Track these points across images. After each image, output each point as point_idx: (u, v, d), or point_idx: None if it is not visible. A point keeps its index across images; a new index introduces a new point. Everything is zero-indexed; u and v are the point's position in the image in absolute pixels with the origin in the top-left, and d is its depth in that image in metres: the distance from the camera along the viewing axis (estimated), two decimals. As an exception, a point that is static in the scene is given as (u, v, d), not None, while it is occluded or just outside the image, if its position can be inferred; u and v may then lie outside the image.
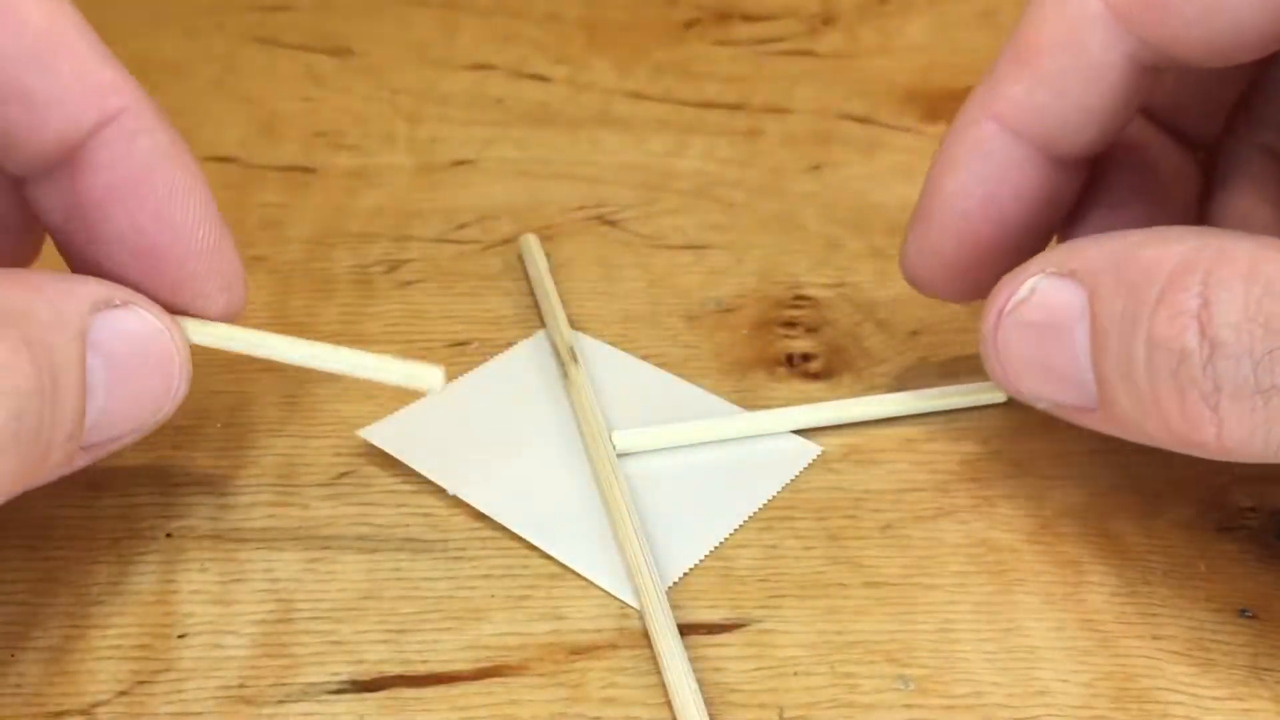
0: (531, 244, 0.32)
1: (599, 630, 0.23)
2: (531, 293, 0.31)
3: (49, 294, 0.21)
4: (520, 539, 0.25)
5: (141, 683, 0.22)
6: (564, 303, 0.31)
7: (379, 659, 0.23)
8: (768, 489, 0.26)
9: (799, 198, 0.35)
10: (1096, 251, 0.22)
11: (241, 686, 0.22)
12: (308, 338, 0.23)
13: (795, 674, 0.22)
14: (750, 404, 0.28)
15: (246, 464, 0.26)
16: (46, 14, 0.21)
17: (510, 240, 0.33)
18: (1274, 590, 0.24)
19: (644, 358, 0.30)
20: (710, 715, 0.21)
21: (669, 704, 0.22)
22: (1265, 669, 0.23)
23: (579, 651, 0.23)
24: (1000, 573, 0.24)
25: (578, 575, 0.24)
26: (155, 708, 0.22)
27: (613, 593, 0.24)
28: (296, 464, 0.27)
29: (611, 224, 0.34)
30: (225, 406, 0.28)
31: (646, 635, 0.23)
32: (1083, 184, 0.25)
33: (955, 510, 0.26)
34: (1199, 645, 0.23)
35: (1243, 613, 0.24)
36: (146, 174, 0.22)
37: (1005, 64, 0.24)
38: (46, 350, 0.20)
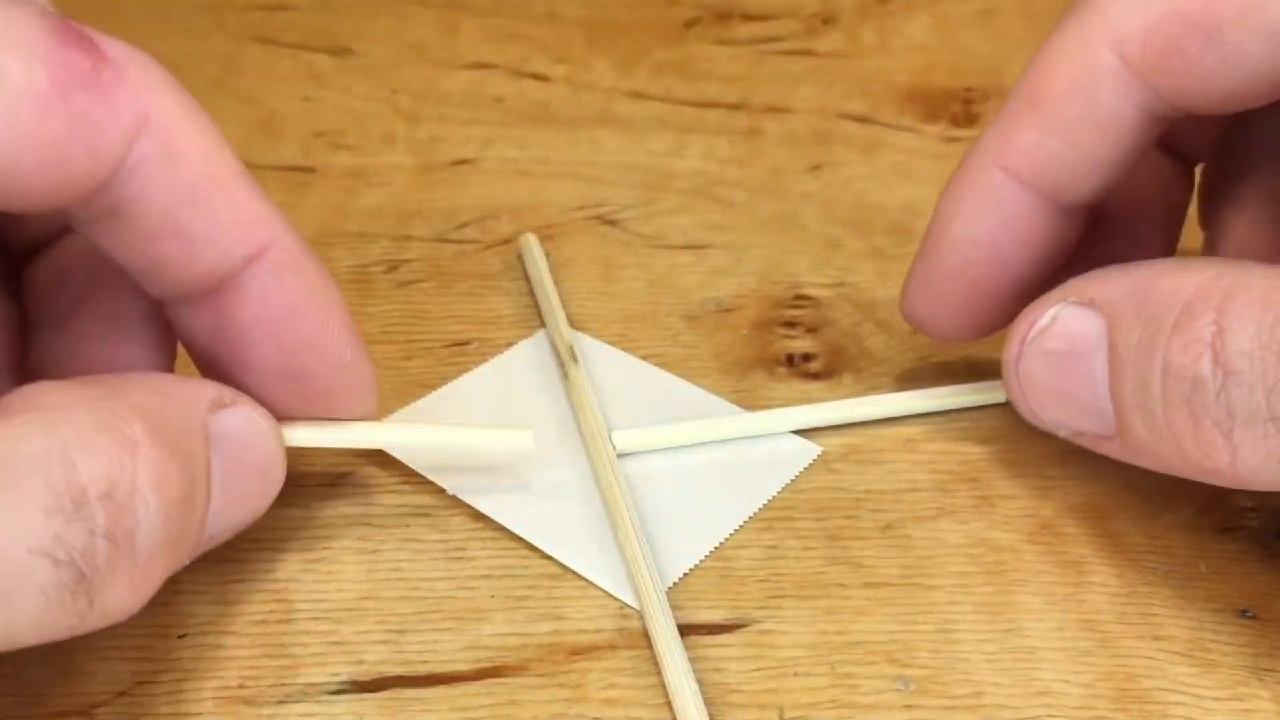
0: (531, 244, 0.32)
1: (599, 630, 0.23)
2: (531, 292, 0.31)
3: (176, 397, 0.21)
4: (520, 539, 0.25)
5: (141, 683, 0.22)
6: (564, 302, 0.31)
7: (379, 659, 0.23)
8: (768, 489, 0.26)
9: (799, 197, 0.35)
10: (1116, 281, 0.23)
11: (241, 687, 0.22)
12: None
13: (795, 674, 0.22)
14: (750, 404, 0.28)
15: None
16: (204, 150, 0.21)
17: (510, 240, 0.33)
18: (1274, 590, 0.24)
19: (644, 358, 0.29)
20: (710, 715, 0.21)
21: (669, 704, 0.22)
22: (1266, 669, 0.23)
23: (579, 652, 0.23)
24: (1000, 573, 0.24)
25: (578, 575, 0.24)
26: (155, 708, 0.22)
27: (613, 593, 0.24)
28: (296, 464, 0.26)
29: (611, 224, 0.34)
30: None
31: (646, 635, 0.23)
32: (1085, 228, 0.26)
33: (955, 510, 0.26)
34: (1199, 645, 0.23)
35: (1243, 613, 0.24)
36: (298, 307, 0.22)
37: (1016, 111, 0.24)
38: (189, 457, 0.20)
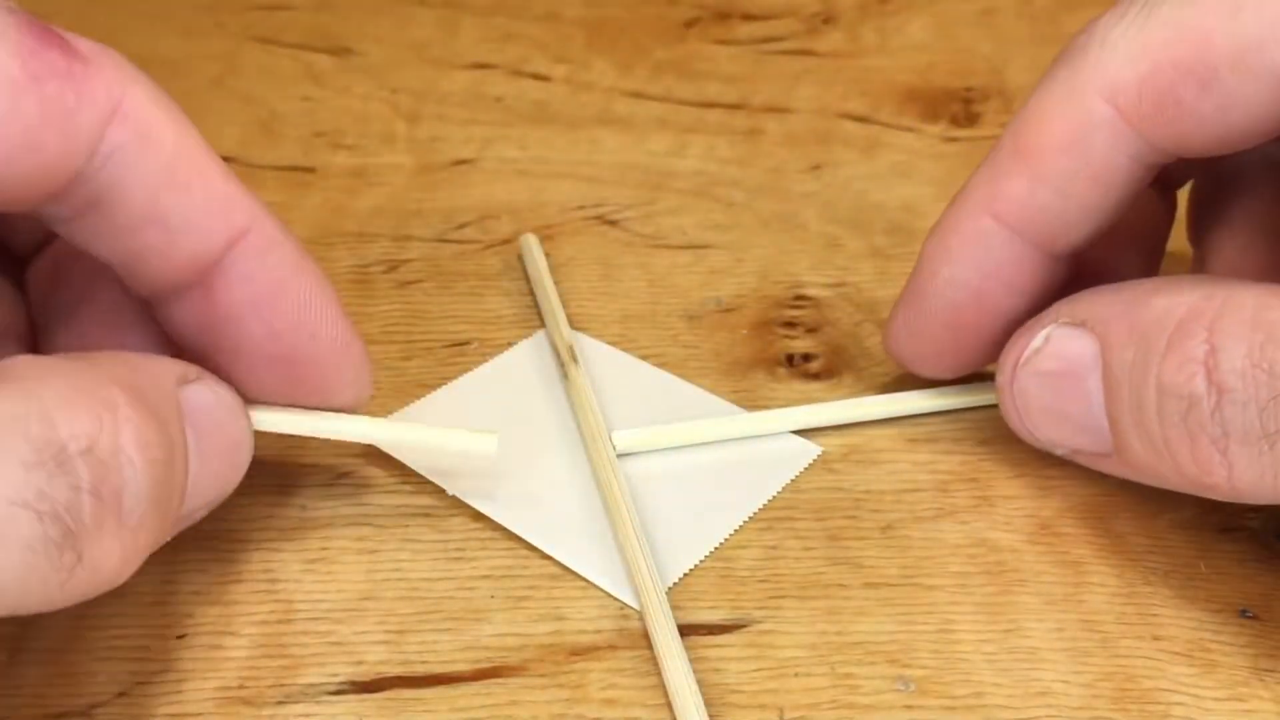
0: (531, 244, 0.32)
1: (599, 631, 0.23)
2: (531, 292, 0.31)
3: (147, 369, 0.21)
4: (520, 539, 0.25)
5: (140, 683, 0.22)
6: (564, 302, 0.31)
7: (378, 660, 0.23)
8: (768, 489, 0.26)
9: (799, 197, 0.35)
10: (1107, 301, 0.23)
11: (241, 687, 0.22)
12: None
13: (795, 675, 0.22)
14: (750, 404, 0.28)
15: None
16: (177, 137, 0.21)
17: (510, 240, 0.33)
18: (1274, 591, 0.24)
19: (644, 358, 0.29)
20: (711, 716, 0.21)
21: (669, 705, 0.22)
22: (1266, 670, 0.23)
23: (579, 652, 0.23)
24: (1001, 573, 0.24)
25: (578, 576, 0.24)
26: (154, 709, 0.22)
27: (612, 593, 0.24)
28: (295, 464, 0.26)
29: (611, 224, 0.34)
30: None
31: (646, 636, 0.23)
32: (1072, 273, 0.26)
33: (955, 511, 0.26)
34: (1200, 646, 0.23)
35: (1243, 613, 0.24)
36: (281, 286, 0.22)
37: (1006, 158, 0.24)
38: (166, 422, 0.20)
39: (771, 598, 0.24)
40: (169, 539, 0.22)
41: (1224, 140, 0.22)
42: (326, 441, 0.27)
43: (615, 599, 0.24)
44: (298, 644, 0.23)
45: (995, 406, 0.28)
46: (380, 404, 0.28)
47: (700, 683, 0.22)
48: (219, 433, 0.22)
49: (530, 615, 0.23)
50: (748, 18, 0.44)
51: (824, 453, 0.27)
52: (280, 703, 0.22)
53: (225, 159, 0.22)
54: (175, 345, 0.24)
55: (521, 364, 0.29)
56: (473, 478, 0.26)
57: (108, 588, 0.19)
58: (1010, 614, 0.24)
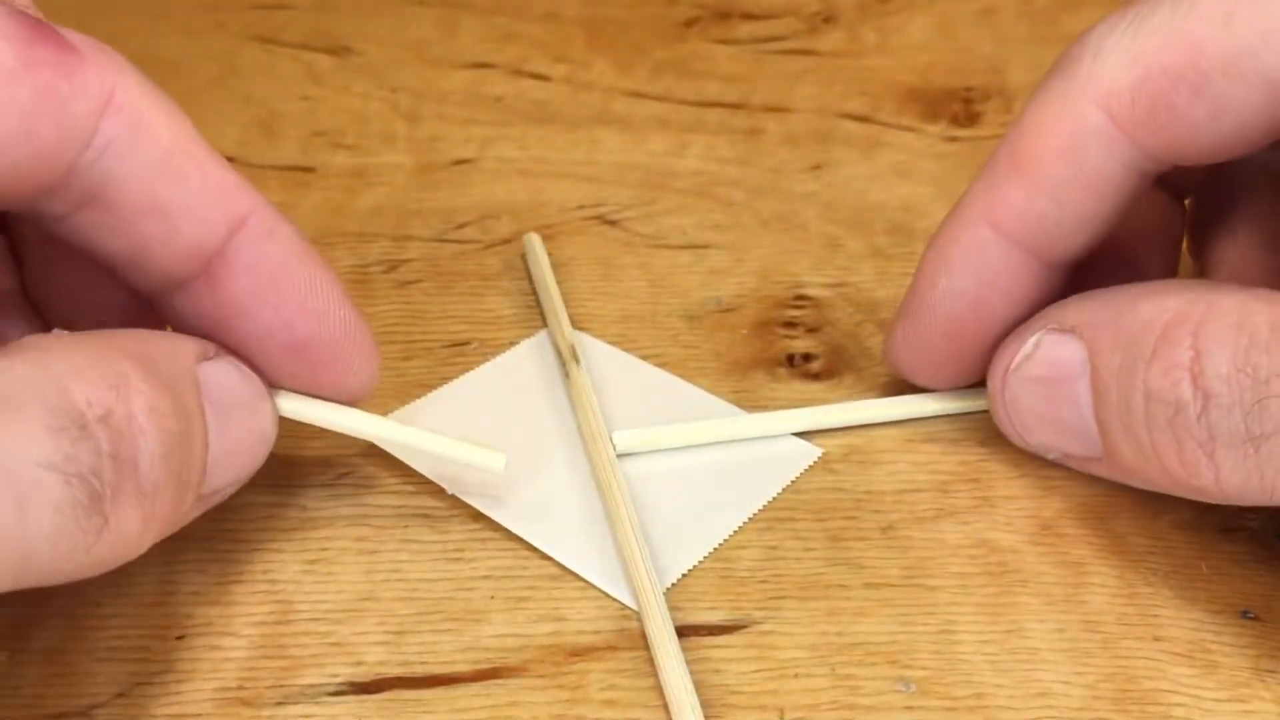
0: (534, 243, 0.32)
1: (599, 632, 0.23)
2: (532, 292, 0.31)
3: (162, 344, 0.21)
4: (520, 540, 0.25)
5: (139, 684, 0.22)
6: (564, 302, 0.31)
7: (378, 660, 0.23)
8: (767, 491, 0.26)
9: (799, 197, 0.35)
10: (1095, 307, 0.23)
11: (240, 688, 0.22)
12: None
13: (796, 676, 0.22)
14: (751, 404, 0.28)
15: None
16: (171, 127, 0.21)
17: (510, 240, 0.33)
18: (1275, 591, 0.24)
19: (644, 358, 0.29)
20: (711, 717, 0.21)
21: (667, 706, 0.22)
22: (1267, 670, 0.23)
23: (579, 653, 0.23)
24: (1001, 574, 0.24)
25: (577, 576, 0.24)
26: (153, 709, 0.22)
27: (611, 594, 0.24)
28: (295, 464, 0.26)
29: (611, 223, 0.34)
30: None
31: (646, 636, 0.23)
32: (1069, 281, 0.26)
33: (956, 511, 0.26)
34: (1201, 647, 0.23)
35: (1244, 614, 0.24)
36: (287, 270, 0.23)
37: (1003, 168, 0.24)
38: (180, 394, 0.21)
39: (772, 598, 0.24)
40: (196, 515, 0.22)
41: (1217, 146, 0.22)
42: (327, 440, 0.27)
43: (615, 599, 0.24)
44: (297, 644, 0.23)
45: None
46: (380, 404, 0.28)
47: (700, 683, 0.22)
48: (240, 410, 0.22)
49: (530, 616, 0.23)
50: (748, 17, 0.44)
51: (825, 453, 0.27)
52: (279, 703, 0.22)
53: (225, 159, 0.22)
54: None
55: (522, 364, 0.29)
56: (473, 478, 0.26)
57: (129, 555, 0.19)
58: (1011, 615, 0.24)
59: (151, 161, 0.21)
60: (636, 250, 0.33)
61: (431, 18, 0.44)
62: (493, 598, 0.24)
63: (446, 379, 0.29)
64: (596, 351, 0.30)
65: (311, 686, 0.22)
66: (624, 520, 0.24)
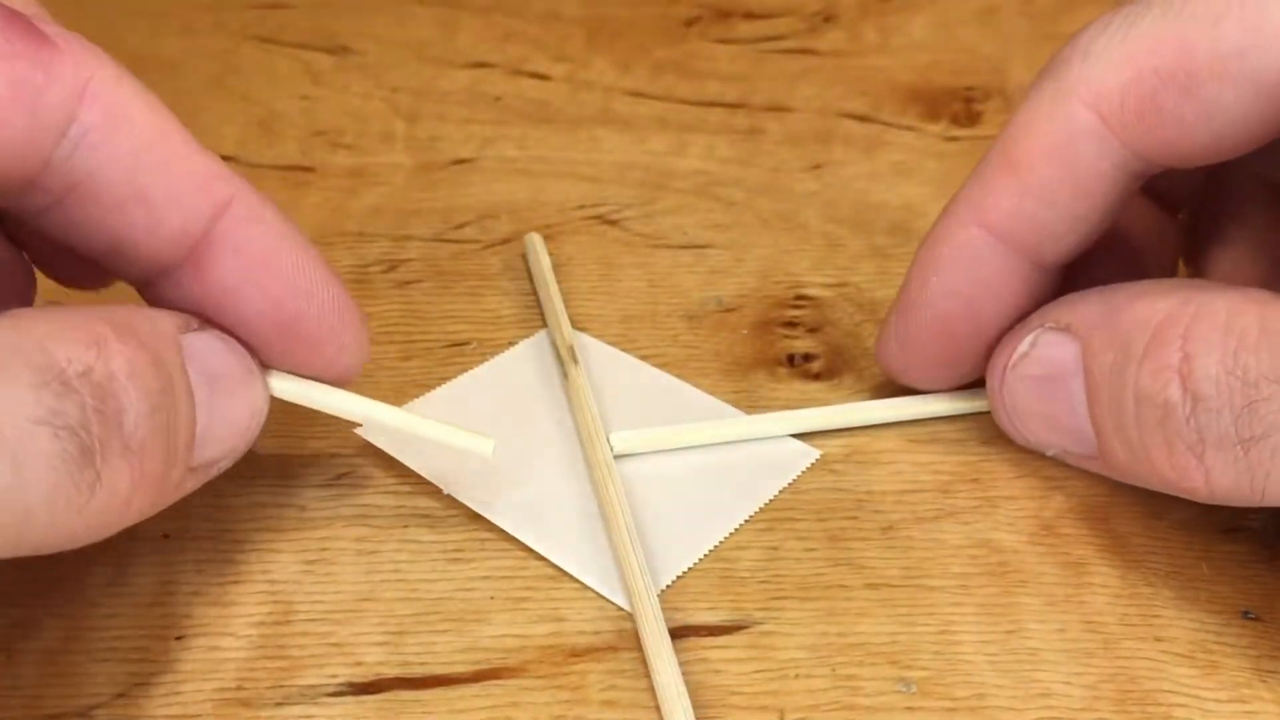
0: (536, 243, 0.32)
1: (598, 632, 0.23)
2: (531, 292, 0.31)
3: (143, 314, 0.21)
4: (519, 540, 0.25)
5: (138, 685, 0.22)
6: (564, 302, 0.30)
7: (377, 661, 0.23)
8: (765, 492, 0.26)
9: (800, 197, 0.35)
10: (1090, 306, 0.24)
11: (239, 689, 0.22)
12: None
13: (796, 676, 0.22)
14: (751, 404, 0.28)
15: (244, 464, 0.26)
16: (149, 114, 0.21)
17: (509, 240, 0.33)
18: (1277, 592, 0.24)
19: (644, 358, 0.29)
20: (711, 718, 0.21)
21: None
22: (1269, 671, 0.22)
23: (578, 654, 0.23)
24: (1002, 574, 0.24)
25: (576, 577, 0.24)
26: (152, 710, 0.22)
27: (605, 595, 0.24)
28: (294, 464, 0.26)
29: (611, 223, 0.34)
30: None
31: (646, 637, 0.23)
32: (1060, 283, 0.26)
33: (957, 511, 0.26)
34: (1202, 647, 0.23)
35: (1245, 614, 0.24)
36: (273, 252, 0.23)
37: (994, 169, 0.24)
38: (160, 355, 0.21)
39: (772, 599, 0.24)
40: (190, 489, 0.22)
41: (1206, 148, 0.22)
42: (326, 440, 0.27)
43: (612, 601, 0.24)
44: (296, 645, 0.23)
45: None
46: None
47: (701, 684, 0.22)
48: (228, 381, 0.22)
49: (529, 616, 0.23)
50: (748, 16, 0.44)
51: (825, 453, 0.27)
52: (279, 704, 0.22)
53: (224, 159, 0.22)
54: None
55: (521, 364, 0.29)
56: (470, 478, 0.26)
57: (123, 518, 0.20)
58: (1012, 615, 0.23)
59: (130, 150, 0.21)
60: (636, 250, 0.33)
61: (431, 17, 0.44)
62: (492, 598, 0.24)
63: (445, 379, 0.29)
64: (596, 352, 0.29)
65: (311, 687, 0.22)
66: (619, 522, 0.24)
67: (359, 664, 0.22)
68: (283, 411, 0.27)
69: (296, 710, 0.22)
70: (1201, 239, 0.27)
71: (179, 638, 0.23)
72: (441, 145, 0.37)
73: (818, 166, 0.37)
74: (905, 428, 0.27)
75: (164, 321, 0.22)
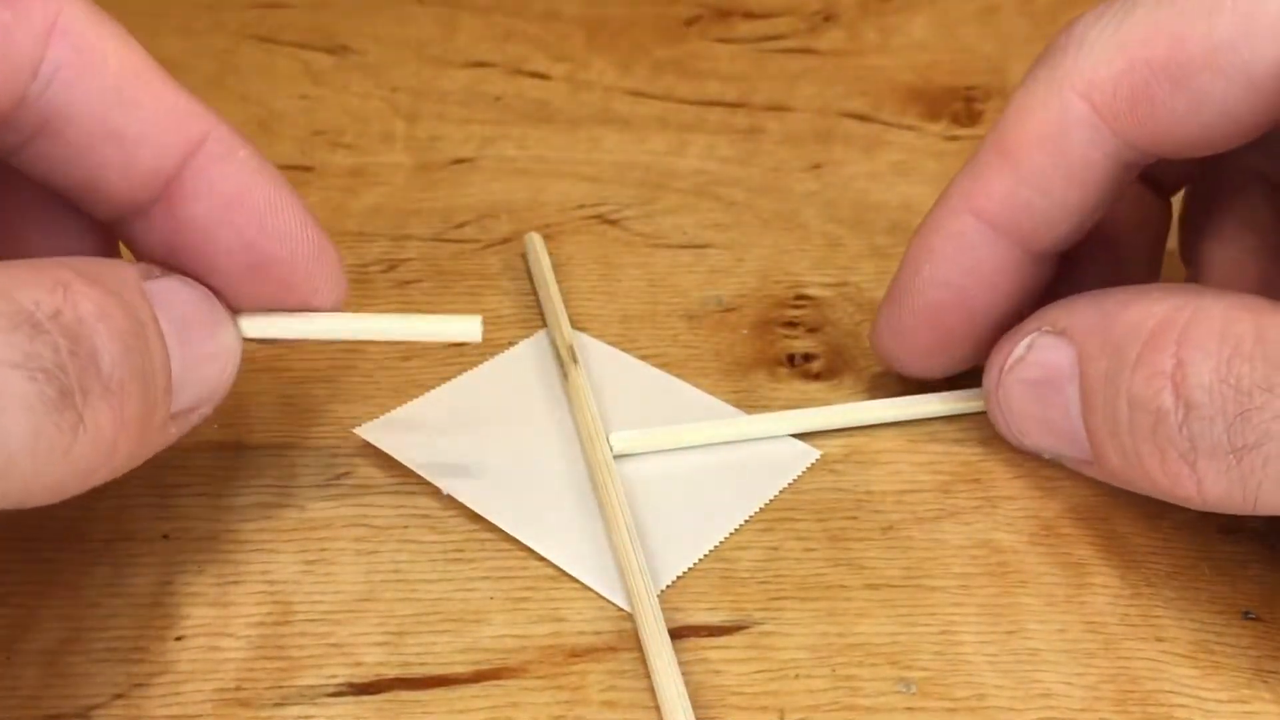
0: (536, 243, 0.32)
1: (598, 632, 0.23)
2: (530, 292, 0.31)
3: (102, 262, 0.21)
4: (519, 540, 0.25)
5: (138, 685, 0.22)
6: (564, 302, 0.30)
7: (377, 661, 0.23)
8: (765, 493, 0.26)
9: (800, 197, 0.35)
10: (1085, 310, 0.23)
11: (238, 689, 0.22)
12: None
13: (796, 676, 0.22)
14: (751, 404, 0.28)
15: (243, 465, 0.26)
16: (120, 51, 0.21)
17: (509, 239, 0.33)
18: (1277, 592, 0.24)
19: (644, 358, 0.29)
20: (711, 718, 0.21)
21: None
22: (1269, 671, 0.22)
23: (578, 654, 0.23)
24: (1003, 575, 0.24)
25: (576, 578, 0.24)
26: (151, 711, 0.22)
27: (605, 595, 0.24)
28: (294, 464, 0.26)
29: (611, 223, 0.34)
30: (222, 407, 0.27)
31: (646, 638, 0.23)
32: (1054, 273, 0.26)
33: (957, 511, 0.26)
34: (1203, 648, 0.23)
35: (1246, 615, 0.24)
36: (246, 191, 0.22)
37: (988, 157, 0.24)
38: (127, 299, 0.20)
39: (772, 599, 0.24)
40: (174, 438, 0.22)
41: (1198, 139, 0.22)
42: (326, 440, 0.27)
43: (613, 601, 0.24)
44: (296, 646, 0.23)
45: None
46: (379, 404, 0.28)
47: (701, 685, 0.22)
48: (198, 326, 0.22)
49: (529, 617, 0.23)
50: (748, 16, 0.44)
51: (825, 454, 0.27)
52: (278, 705, 0.22)
53: (178, 81, 0.22)
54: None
55: (521, 364, 0.29)
56: (470, 478, 0.26)
57: (110, 464, 0.19)
58: (1012, 615, 0.23)
59: (102, 87, 0.21)
60: (636, 250, 0.33)
61: (431, 16, 0.44)
62: (492, 598, 0.24)
63: (445, 379, 0.29)
64: (596, 352, 0.29)
65: (310, 688, 0.22)
66: (619, 522, 0.24)
67: (359, 664, 0.22)
68: (283, 411, 0.28)
69: (296, 711, 0.22)
70: (1199, 233, 0.27)
71: (178, 638, 0.23)
72: (441, 145, 0.37)
73: (818, 166, 0.36)
74: (905, 428, 0.27)
75: (126, 269, 0.21)
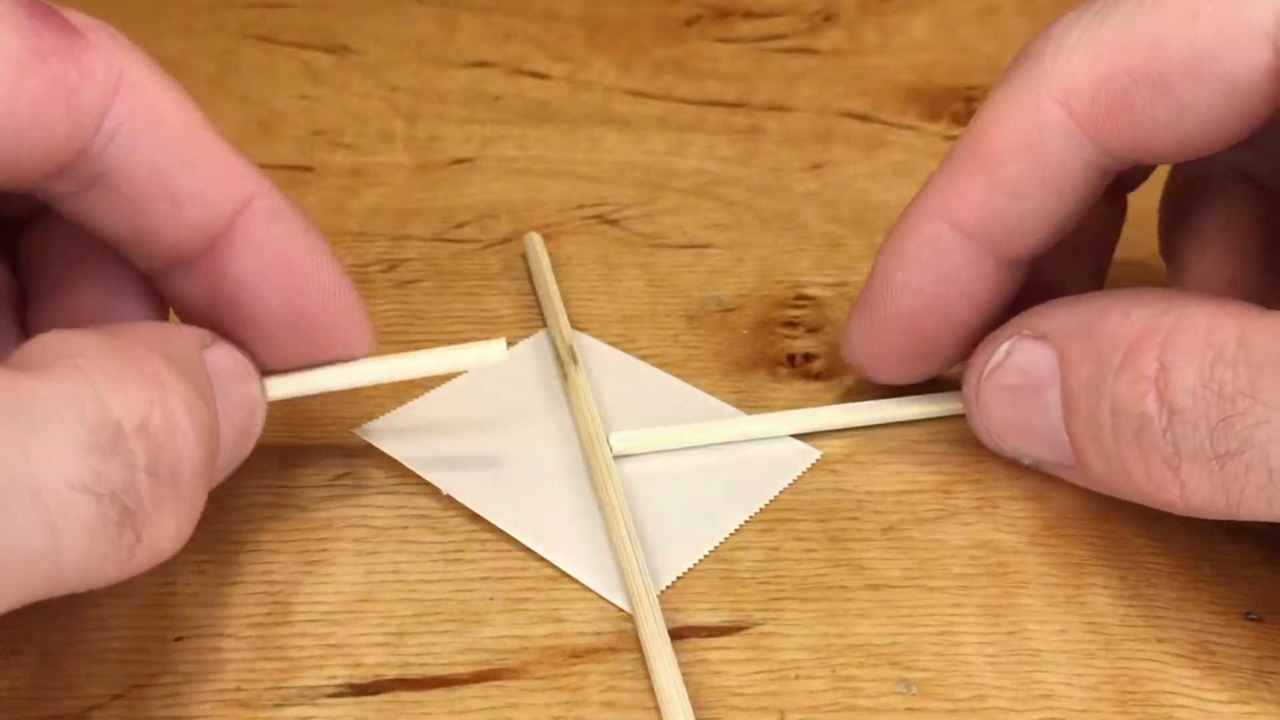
0: (536, 243, 0.32)
1: (598, 633, 0.23)
2: (530, 292, 0.31)
3: (173, 336, 0.21)
4: (519, 540, 0.25)
5: (137, 686, 0.22)
6: (564, 302, 0.30)
7: (377, 662, 0.23)
8: (764, 493, 0.26)
9: (800, 196, 0.35)
10: (1067, 315, 0.23)
11: (238, 690, 0.22)
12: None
13: (796, 677, 0.22)
14: (752, 404, 0.28)
15: (243, 465, 0.26)
16: (179, 110, 0.21)
17: (509, 239, 0.33)
18: (1278, 592, 0.24)
19: (644, 358, 0.29)
20: (710, 719, 0.21)
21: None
22: (1270, 672, 0.22)
23: (578, 655, 0.23)
24: (1003, 575, 0.24)
25: (575, 578, 0.24)
26: (151, 711, 0.22)
27: (605, 596, 0.24)
28: (294, 465, 0.26)
29: (611, 223, 0.34)
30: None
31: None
32: (1026, 280, 0.25)
33: (958, 512, 0.26)
34: (1203, 648, 0.23)
35: (1247, 615, 0.24)
36: (290, 251, 0.23)
37: (962, 163, 0.24)
38: (204, 388, 0.21)
39: (773, 599, 0.24)
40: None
41: (1179, 147, 0.22)
42: (325, 441, 0.27)
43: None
44: (295, 646, 0.23)
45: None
46: (378, 404, 0.28)
47: (701, 685, 0.22)
48: (235, 394, 0.22)
49: (529, 617, 0.23)
50: (748, 16, 0.44)
51: (825, 454, 0.27)
52: (278, 705, 0.22)
53: (230, 140, 0.22)
54: (166, 313, 0.24)
55: (521, 364, 0.29)
56: (470, 478, 0.26)
57: (166, 558, 0.19)
58: (1013, 616, 0.23)
59: (159, 145, 0.21)
60: (636, 250, 0.33)
61: (431, 16, 0.44)
62: (492, 599, 0.24)
63: (445, 379, 0.29)
64: (596, 352, 0.29)
65: (310, 688, 0.22)
66: (619, 523, 0.24)
67: (358, 665, 0.22)
68: (283, 412, 0.27)
69: (295, 711, 0.22)
70: (1179, 232, 0.27)
71: (178, 639, 0.23)
72: (441, 145, 0.37)
73: (818, 166, 0.36)
74: (906, 428, 0.27)
75: (193, 344, 0.22)
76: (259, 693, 0.22)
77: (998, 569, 0.24)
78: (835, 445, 0.27)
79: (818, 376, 0.29)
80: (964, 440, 0.27)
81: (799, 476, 0.26)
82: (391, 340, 0.30)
